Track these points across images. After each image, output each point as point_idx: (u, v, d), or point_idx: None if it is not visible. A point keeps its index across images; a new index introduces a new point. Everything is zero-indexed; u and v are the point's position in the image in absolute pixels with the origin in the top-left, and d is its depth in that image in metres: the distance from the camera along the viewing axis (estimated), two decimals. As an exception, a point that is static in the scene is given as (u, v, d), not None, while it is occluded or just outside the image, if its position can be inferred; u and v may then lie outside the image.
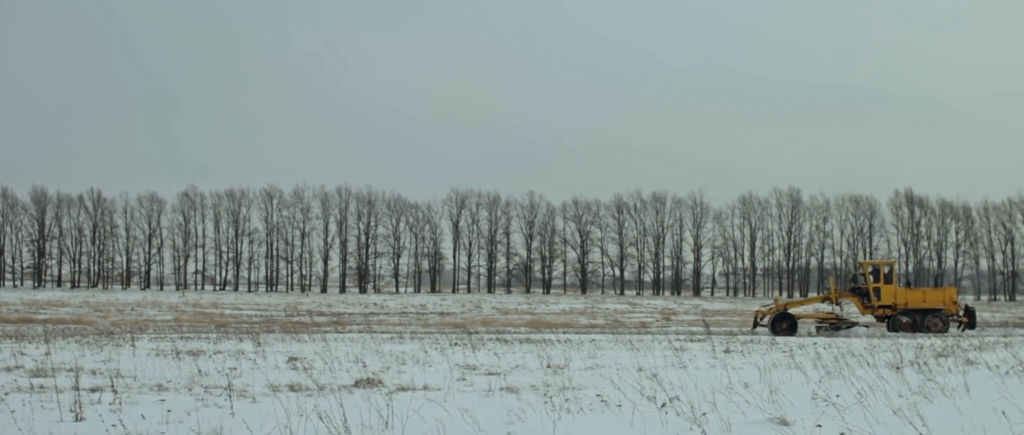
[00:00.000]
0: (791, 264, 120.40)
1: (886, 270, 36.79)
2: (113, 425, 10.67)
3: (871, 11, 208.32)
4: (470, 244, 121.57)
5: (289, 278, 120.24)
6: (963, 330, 34.88)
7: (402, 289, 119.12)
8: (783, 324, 34.99)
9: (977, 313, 39.30)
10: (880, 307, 35.92)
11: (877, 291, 35.97)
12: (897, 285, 36.45)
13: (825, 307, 38.05)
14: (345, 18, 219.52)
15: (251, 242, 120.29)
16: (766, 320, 35.80)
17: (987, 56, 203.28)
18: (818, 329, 35.57)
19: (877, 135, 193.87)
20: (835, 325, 35.53)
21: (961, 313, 35.58)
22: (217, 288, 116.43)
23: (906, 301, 35.70)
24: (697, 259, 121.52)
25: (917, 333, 33.64)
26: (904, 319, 35.13)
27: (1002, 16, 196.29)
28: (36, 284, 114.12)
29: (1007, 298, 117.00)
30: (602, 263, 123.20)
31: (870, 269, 37.01)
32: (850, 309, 40.41)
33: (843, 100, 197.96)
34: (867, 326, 36.27)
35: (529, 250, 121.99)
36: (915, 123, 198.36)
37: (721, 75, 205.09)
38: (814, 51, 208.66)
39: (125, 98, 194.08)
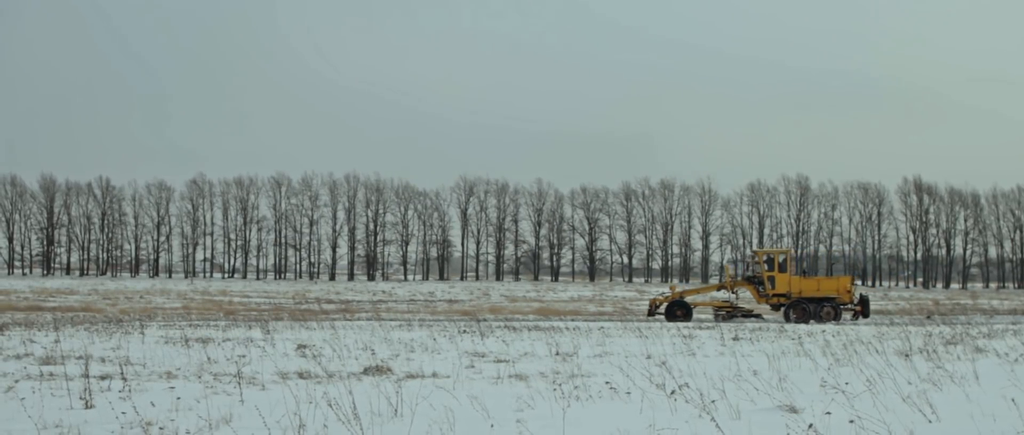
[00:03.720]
0: (799, 252, 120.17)
1: (781, 259, 36.77)
2: (123, 412, 10.69)
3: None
4: (478, 232, 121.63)
5: (297, 266, 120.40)
6: (857, 319, 34.89)
7: (410, 277, 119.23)
8: (678, 311, 35.24)
9: (992, 300, 39.15)
10: (775, 296, 35.86)
11: (772, 280, 35.95)
12: (792, 274, 36.41)
13: (721, 295, 38.11)
14: (353, 9, 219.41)
15: (259, 230, 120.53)
16: (662, 307, 36.01)
17: (970, 41, 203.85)
18: (716, 317, 35.61)
19: (882, 122, 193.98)
20: (731, 313, 35.63)
21: (855, 302, 35.60)
22: (226, 276, 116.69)
23: (800, 290, 35.62)
24: (705, 246, 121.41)
25: (811, 321, 33.58)
26: (798, 308, 35.05)
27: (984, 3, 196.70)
28: (45, 272, 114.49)
29: (1016, 286, 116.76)
30: (610, 251, 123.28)
31: (765, 258, 37.04)
32: (747, 297, 40.31)
33: (844, 87, 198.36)
34: (761, 315, 36.19)
35: (537, 238, 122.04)
36: (915, 110, 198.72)
37: (727, 62, 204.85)
38: (814, 36, 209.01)
39: (126, 89, 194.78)
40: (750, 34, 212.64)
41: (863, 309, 35.18)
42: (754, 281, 36.79)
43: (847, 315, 35.51)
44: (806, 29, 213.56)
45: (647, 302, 45.01)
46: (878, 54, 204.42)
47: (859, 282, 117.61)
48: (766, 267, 36.49)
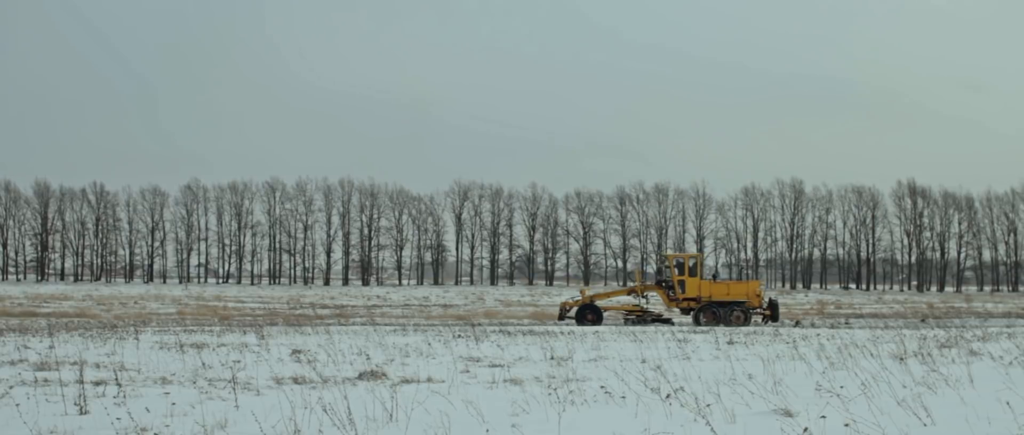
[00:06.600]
0: (794, 255, 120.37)
1: (691, 263, 36.90)
2: (118, 418, 10.67)
3: (859, 7, 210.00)
4: (473, 236, 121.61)
5: (292, 271, 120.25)
6: (766, 323, 35.07)
7: (405, 281, 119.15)
8: (589, 315, 35.31)
9: (986, 303, 39.17)
10: (685, 300, 35.92)
11: (682, 284, 36.01)
12: (702, 278, 36.46)
13: (631, 299, 38.16)
14: (347, 13, 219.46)
15: (254, 235, 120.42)
16: (572, 311, 36.08)
17: (962, 53, 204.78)
18: (626, 321, 35.61)
19: (876, 128, 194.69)
20: (641, 317, 35.68)
21: (764, 306, 35.75)
22: (220, 281, 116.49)
23: (710, 294, 35.66)
24: (700, 250, 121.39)
25: (721, 325, 33.58)
26: (708, 312, 35.13)
27: (973, 11, 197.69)
28: (39, 278, 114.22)
29: (1010, 289, 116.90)
30: (605, 255, 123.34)
31: (675, 262, 37.08)
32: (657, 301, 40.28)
33: (839, 93, 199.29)
34: (672, 320, 36.14)
35: (532, 242, 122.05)
36: (907, 116, 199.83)
37: (720, 69, 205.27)
38: (809, 43, 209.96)
39: (121, 96, 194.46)
40: (745, 41, 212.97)
41: (772, 313, 35.41)
42: (664, 285, 36.83)
43: (757, 319, 35.73)
44: (800, 36, 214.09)
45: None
46: (873, 63, 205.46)
47: (854, 285, 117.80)
48: (676, 271, 36.53)
